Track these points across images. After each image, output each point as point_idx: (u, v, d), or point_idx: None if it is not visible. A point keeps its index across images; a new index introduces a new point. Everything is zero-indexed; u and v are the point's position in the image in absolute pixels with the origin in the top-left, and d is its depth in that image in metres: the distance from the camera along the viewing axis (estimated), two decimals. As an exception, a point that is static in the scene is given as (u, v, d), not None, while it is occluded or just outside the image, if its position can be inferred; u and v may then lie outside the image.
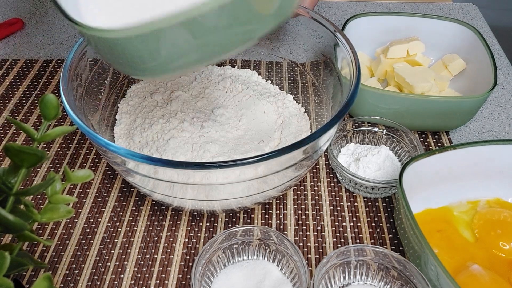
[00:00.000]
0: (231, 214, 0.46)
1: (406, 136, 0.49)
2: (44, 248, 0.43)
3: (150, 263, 0.42)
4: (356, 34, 0.58)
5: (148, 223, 0.45)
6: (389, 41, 0.61)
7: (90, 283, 0.41)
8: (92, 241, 0.44)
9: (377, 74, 0.59)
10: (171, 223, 0.45)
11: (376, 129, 0.51)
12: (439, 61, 0.60)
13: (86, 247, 0.43)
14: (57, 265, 0.42)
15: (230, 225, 0.45)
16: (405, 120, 0.51)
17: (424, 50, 0.59)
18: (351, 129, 0.51)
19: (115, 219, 0.46)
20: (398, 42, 0.59)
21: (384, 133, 0.51)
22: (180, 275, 0.41)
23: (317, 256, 0.42)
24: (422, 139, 0.54)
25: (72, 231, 0.44)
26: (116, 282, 0.41)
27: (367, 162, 0.47)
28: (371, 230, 0.45)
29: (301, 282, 0.37)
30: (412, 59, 0.58)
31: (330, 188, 0.48)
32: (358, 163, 0.48)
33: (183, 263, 0.42)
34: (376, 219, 0.46)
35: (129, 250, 0.43)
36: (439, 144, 0.53)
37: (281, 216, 0.46)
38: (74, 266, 0.42)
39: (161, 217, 0.46)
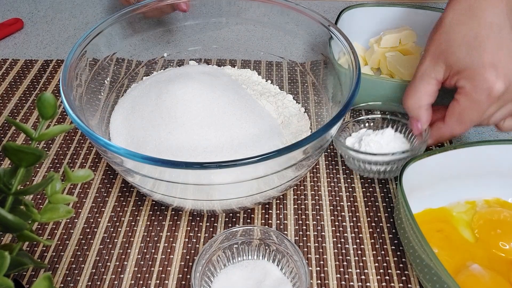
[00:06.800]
0: (231, 214, 0.46)
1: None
2: (44, 248, 0.43)
3: (150, 263, 0.42)
4: (350, 24, 0.60)
5: (148, 223, 0.45)
6: (382, 31, 0.61)
7: (90, 283, 0.41)
8: (92, 241, 0.44)
9: (370, 63, 0.61)
10: (171, 223, 0.45)
11: (377, 115, 0.51)
12: None
13: (86, 247, 0.43)
14: (57, 265, 0.42)
15: (230, 225, 0.45)
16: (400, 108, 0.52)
17: (416, 40, 0.60)
18: (350, 121, 0.51)
19: (115, 219, 0.46)
20: (390, 32, 0.60)
21: (388, 117, 0.51)
22: (180, 275, 0.41)
23: (317, 256, 0.43)
24: (422, 139, 0.54)
25: (72, 231, 0.44)
26: (116, 282, 0.41)
27: (375, 142, 0.47)
28: (371, 230, 0.45)
29: (301, 282, 0.37)
30: (405, 48, 0.59)
31: (330, 188, 0.48)
32: (366, 144, 0.47)
33: (183, 263, 0.42)
34: (376, 219, 0.46)
35: (129, 250, 0.43)
36: (439, 144, 0.53)
37: (281, 216, 0.46)
38: (74, 266, 0.42)
39: (161, 217, 0.46)
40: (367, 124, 0.51)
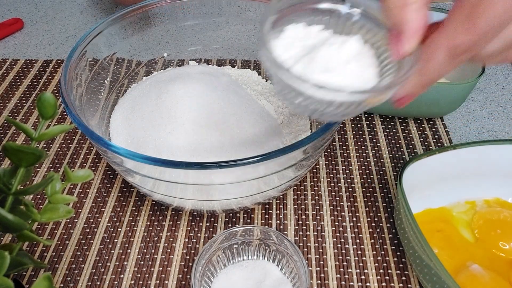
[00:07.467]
0: (231, 214, 0.46)
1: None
2: (44, 248, 0.43)
3: (150, 263, 0.42)
4: None
5: (148, 223, 0.45)
6: None
7: (90, 283, 0.40)
8: (92, 241, 0.44)
9: None
10: (171, 223, 0.45)
11: (344, 9, 0.31)
12: None
13: (86, 247, 0.43)
14: (57, 265, 0.42)
15: (230, 225, 0.45)
16: (401, 108, 0.52)
17: None
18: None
19: (115, 219, 0.46)
20: None
21: (359, 13, 0.31)
22: (180, 275, 0.41)
23: (317, 256, 0.42)
24: (422, 139, 0.54)
25: (72, 231, 0.44)
26: (116, 282, 0.41)
27: (327, 57, 0.29)
28: (371, 230, 0.45)
29: (301, 282, 0.37)
30: None
31: (330, 188, 0.48)
32: (312, 57, 0.29)
33: (183, 263, 0.42)
34: (376, 219, 0.46)
35: (129, 250, 0.43)
36: (439, 144, 0.53)
37: (281, 216, 0.46)
38: (74, 266, 0.42)
39: (161, 217, 0.46)
40: (325, 19, 0.32)
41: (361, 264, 0.42)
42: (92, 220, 0.45)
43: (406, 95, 0.27)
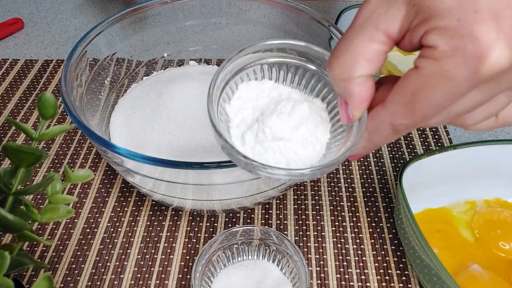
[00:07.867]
0: (231, 214, 0.46)
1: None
2: (44, 248, 0.43)
3: (150, 263, 0.42)
4: None
5: (148, 223, 0.45)
6: None
7: (90, 283, 0.41)
8: (92, 241, 0.44)
9: None
10: (171, 223, 0.45)
11: (295, 62, 0.31)
12: None
13: (86, 247, 0.43)
14: (57, 265, 0.42)
15: (230, 225, 0.45)
16: None
17: None
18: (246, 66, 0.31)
19: (115, 219, 0.46)
20: None
21: (313, 68, 0.31)
22: (180, 275, 0.41)
23: (317, 256, 0.43)
24: (422, 139, 0.54)
25: (72, 231, 0.44)
26: (116, 282, 0.41)
27: (275, 125, 0.29)
28: (371, 230, 0.45)
29: (301, 282, 0.37)
30: None
31: (330, 188, 0.48)
32: (261, 124, 0.29)
33: (183, 263, 0.42)
34: (376, 219, 0.46)
35: (129, 250, 0.43)
36: (439, 144, 0.53)
37: (281, 216, 0.46)
38: (74, 266, 0.42)
39: (161, 217, 0.46)
40: (276, 72, 0.31)
41: (361, 264, 0.42)
42: (92, 220, 0.45)
43: (355, 155, 0.29)
